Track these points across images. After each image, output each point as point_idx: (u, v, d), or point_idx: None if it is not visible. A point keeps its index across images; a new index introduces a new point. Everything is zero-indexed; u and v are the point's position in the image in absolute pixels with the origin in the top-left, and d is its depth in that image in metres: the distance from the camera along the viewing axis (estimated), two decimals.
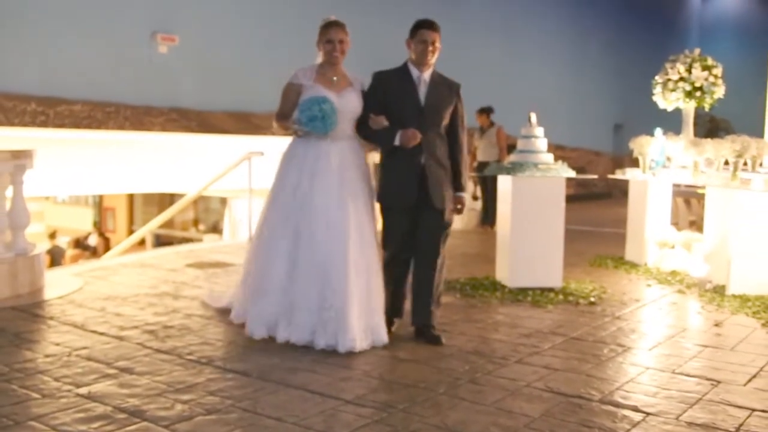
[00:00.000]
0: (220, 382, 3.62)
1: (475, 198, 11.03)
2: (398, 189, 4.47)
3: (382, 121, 4.40)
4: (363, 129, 4.49)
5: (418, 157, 4.40)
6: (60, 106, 11.51)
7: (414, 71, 4.48)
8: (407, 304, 4.65)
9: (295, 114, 4.37)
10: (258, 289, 4.40)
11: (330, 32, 4.44)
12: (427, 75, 4.49)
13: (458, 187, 4.60)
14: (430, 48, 4.42)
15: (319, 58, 4.53)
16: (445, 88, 4.54)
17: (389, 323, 4.49)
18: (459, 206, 4.61)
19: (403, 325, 4.63)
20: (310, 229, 4.28)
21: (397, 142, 4.36)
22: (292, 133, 4.46)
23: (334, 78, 4.46)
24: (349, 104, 4.42)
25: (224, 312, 4.90)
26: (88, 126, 11.73)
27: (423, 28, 4.44)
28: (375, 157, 4.78)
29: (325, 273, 4.22)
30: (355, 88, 4.51)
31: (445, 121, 4.52)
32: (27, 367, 3.79)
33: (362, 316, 4.22)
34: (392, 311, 4.57)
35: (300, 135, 4.40)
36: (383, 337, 4.31)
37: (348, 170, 4.41)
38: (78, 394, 3.41)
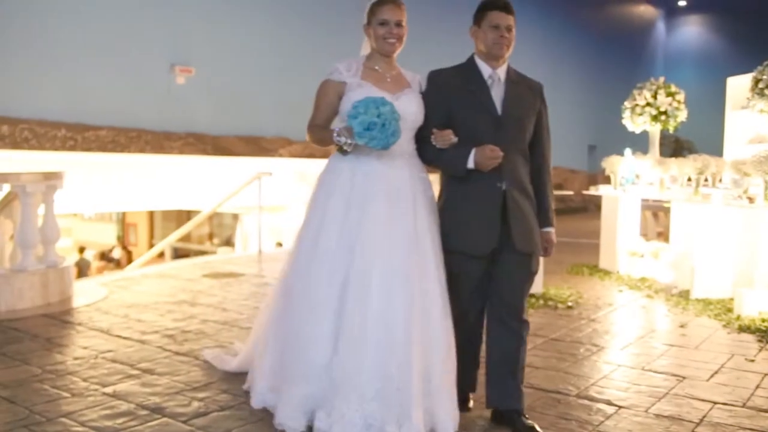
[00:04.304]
0: (233, 382, 3.61)
1: None
2: (473, 228, 2.97)
3: (450, 137, 2.91)
4: (424, 149, 3.04)
5: (498, 184, 2.95)
6: (87, 131, 11.55)
7: (484, 68, 3.00)
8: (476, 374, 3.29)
9: (339, 122, 2.99)
10: (289, 366, 2.91)
11: (384, 10, 2.93)
12: (501, 72, 3.01)
13: (545, 221, 3.12)
14: (506, 35, 2.94)
15: (365, 49, 3.09)
16: (526, 90, 3.07)
17: (464, 400, 3.13)
18: (546, 246, 3.14)
19: None
20: (365, 280, 2.80)
21: (471, 164, 2.90)
22: (335, 148, 2.94)
23: (388, 74, 3.02)
24: (408, 110, 2.95)
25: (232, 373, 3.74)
26: (113, 149, 11.77)
27: (494, 9, 2.95)
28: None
29: (384, 342, 2.76)
30: (414, 89, 3.05)
31: (529, 134, 3.07)
32: (58, 368, 3.80)
33: (423, 397, 2.81)
34: (466, 384, 3.13)
35: (348, 151, 2.88)
36: (446, 427, 2.84)
37: (411, 198, 2.96)
38: (104, 393, 3.41)
